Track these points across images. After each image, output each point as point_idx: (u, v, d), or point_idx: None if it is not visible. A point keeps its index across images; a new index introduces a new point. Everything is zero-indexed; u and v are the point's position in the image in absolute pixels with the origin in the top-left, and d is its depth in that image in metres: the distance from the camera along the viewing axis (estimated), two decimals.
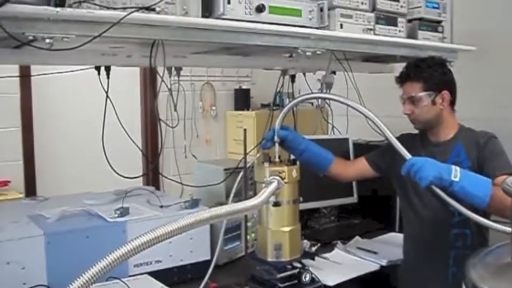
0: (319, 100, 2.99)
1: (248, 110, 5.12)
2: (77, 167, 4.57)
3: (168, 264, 2.09)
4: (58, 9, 1.40)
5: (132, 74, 4.68)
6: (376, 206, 3.06)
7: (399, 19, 2.35)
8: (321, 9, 2.03)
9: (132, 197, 2.33)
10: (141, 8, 1.54)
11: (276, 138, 2.17)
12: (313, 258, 2.22)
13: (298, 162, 2.10)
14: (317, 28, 2.02)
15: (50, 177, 4.42)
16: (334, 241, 2.70)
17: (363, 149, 2.88)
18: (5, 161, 4.13)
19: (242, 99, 5.28)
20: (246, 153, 2.07)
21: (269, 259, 2.07)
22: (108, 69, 2.06)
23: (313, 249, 2.28)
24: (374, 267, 2.40)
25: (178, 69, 2.31)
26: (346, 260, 2.47)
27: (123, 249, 1.13)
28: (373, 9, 2.24)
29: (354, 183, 3.09)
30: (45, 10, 1.39)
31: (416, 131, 2.29)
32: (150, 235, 1.18)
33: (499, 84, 3.17)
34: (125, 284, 1.79)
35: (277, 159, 2.09)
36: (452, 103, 2.19)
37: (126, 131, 2.22)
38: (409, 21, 2.44)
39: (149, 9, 1.57)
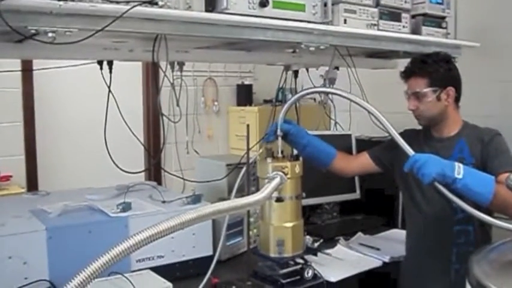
0: (322, 96, 2.98)
1: (250, 105, 5.12)
2: (79, 162, 4.57)
3: (170, 260, 2.08)
4: (61, 2, 1.39)
5: (135, 68, 4.68)
6: (378, 202, 3.05)
7: (403, 14, 2.34)
8: (325, 4, 2.01)
9: (134, 192, 2.33)
10: (144, 2, 1.53)
11: (279, 132, 2.16)
12: (315, 254, 2.21)
13: (301, 158, 2.09)
14: (320, 23, 2.00)
15: (51, 172, 4.42)
16: (337, 237, 2.70)
17: (365, 145, 2.88)
18: (7, 155, 4.14)
19: (244, 95, 5.27)
20: (248, 149, 2.06)
21: (271, 255, 2.06)
22: (110, 63, 2.06)
23: (316, 245, 2.27)
24: (376, 263, 2.39)
25: (181, 64, 2.30)
26: (348, 256, 2.46)
27: (125, 244, 1.12)
28: (377, 4, 2.24)
29: (357, 179, 3.08)
30: (48, 3, 1.38)
31: (420, 127, 2.27)
32: (152, 230, 1.17)
33: (502, 81, 3.16)
34: (127, 279, 1.78)
35: (280, 155, 2.09)
36: (457, 99, 2.18)
37: (128, 126, 2.21)
38: (413, 16, 2.43)
39: (152, 3, 1.56)
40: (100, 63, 2.05)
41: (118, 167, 2.08)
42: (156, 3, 1.57)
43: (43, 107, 4.43)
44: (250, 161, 2.11)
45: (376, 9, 2.22)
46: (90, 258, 1.08)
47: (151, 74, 4.75)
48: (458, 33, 2.62)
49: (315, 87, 2.50)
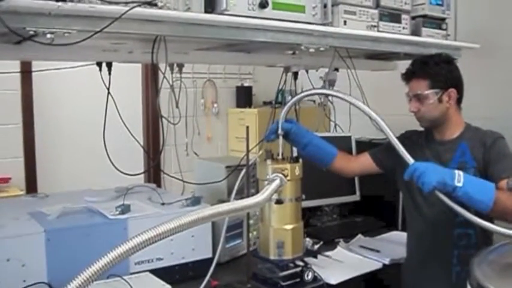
0: (322, 97, 2.98)
1: (250, 107, 5.12)
2: (78, 164, 4.56)
3: (169, 262, 2.07)
4: (59, 3, 1.38)
5: (134, 70, 4.67)
6: (378, 204, 3.05)
7: (403, 16, 2.34)
8: (325, 6, 2.01)
9: (134, 194, 2.32)
10: (143, 3, 1.53)
11: (279, 131, 2.16)
12: (315, 257, 2.20)
13: (300, 160, 2.08)
14: (320, 24, 2.00)
15: (51, 174, 4.41)
16: (337, 239, 2.69)
17: (365, 146, 2.87)
18: (6, 157, 4.13)
19: (244, 97, 5.27)
20: (248, 151, 2.06)
21: (271, 257, 2.05)
22: (109, 65, 2.05)
23: (316, 247, 2.26)
24: (377, 265, 2.39)
25: (180, 66, 2.30)
26: (348, 259, 2.45)
27: (124, 247, 1.12)
28: (377, 5, 2.23)
29: (357, 182, 3.08)
30: (46, 4, 1.37)
31: (421, 129, 2.26)
32: (152, 232, 1.17)
33: (502, 82, 3.15)
34: (126, 281, 1.77)
35: (279, 157, 2.08)
36: (458, 101, 2.16)
37: (127, 128, 2.21)
38: (413, 18, 2.43)
39: (151, 4, 1.56)
40: (99, 64, 2.05)
41: (117, 169, 2.08)
42: (156, 5, 1.57)
43: (42, 108, 4.42)
44: (250, 162, 2.10)
45: (376, 11, 2.22)
46: (89, 260, 1.08)
47: (151, 76, 4.74)
48: (458, 34, 2.61)
49: (314, 88, 2.49)
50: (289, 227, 2.04)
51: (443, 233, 2.13)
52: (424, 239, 2.22)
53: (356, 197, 3.11)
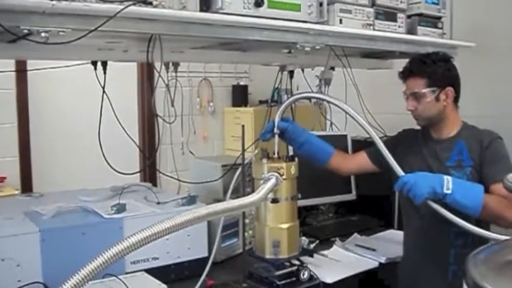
0: None
1: (246, 106, 5.12)
2: (73, 163, 4.55)
3: (165, 262, 2.07)
4: (53, 2, 1.37)
5: (129, 69, 4.66)
6: (374, 203, 3.05)
7: (399, 15, 2.34)
8: (320, 4, 2.00)
9: (129, 194, 2.32)
10: (138, 2, 1.52)
11: (276, 130, 2.16)
12: (311, 256, 2.20)
13: (296, 159, 2.08)
14: (316, 23, 2.00)
15: (46, 174, 4.40)
16: (333, 238, 2.69)
17: (361, 145, 2.86)
18: (1, 157, 4.13)
19: (240, 96, 5.27)
20: (244, 150, 2.05)
21: (267, 256, 2.05)
22: (104, 64, 2.05)
23: (312, 246, 2.26)
24: (373, 264, 2.39)
25: (176, 65, 2.29)
26: (344, 257, 2.45)
27: (119, 246, 1.11)
28: (373, 4, 2.23)
29: (353, 180, 3.07)
30: (40, 3, 1.36)
31: (418, 127, 2.26)
32: (147, 232, 1.16)
33: (497, 81, 3.16)
34: (122, 281, 1.77)
35: (275, 156, 2.07)
36: (456, 100, 2.16)
37: (123, 127, 2.20)
38: (409, 16, 2.43)
39: (146, 2, 1.55)
40: (94, 63, 2.04)
41: (113, 168, 2.07)
42: (151, 3, 1.56)
43: (37, 108, 4.41)
44: (246, 161, 2.10)
45: (371, 9, 2.21)
46: (84, 260, 1.07)
47: (146, 75, 4.74)
48: (453, 33, 2.61)
49: (312, 92, 2.49)
50: (285, 226, 2.04)
51: (440, 232, 2.13)
52: (421, 237, 2.22)
53: (352, 196, 3.10)
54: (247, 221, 2.34)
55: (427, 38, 2.47)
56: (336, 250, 2.55)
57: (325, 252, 2.47)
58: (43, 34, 1.43)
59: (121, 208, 2.01)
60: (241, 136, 2.06)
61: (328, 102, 2.27)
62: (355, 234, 2.76)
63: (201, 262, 2.07)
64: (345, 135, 3.13)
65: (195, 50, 2.26)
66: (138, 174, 3.64)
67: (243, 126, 2.09)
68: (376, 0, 2.23)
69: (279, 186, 1.82)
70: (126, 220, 1.96)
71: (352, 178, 3.06)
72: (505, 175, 1.95)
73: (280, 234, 2.03)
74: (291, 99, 2.25)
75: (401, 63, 2.23)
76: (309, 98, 2.44)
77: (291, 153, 2.22)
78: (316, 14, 1.99)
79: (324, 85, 2.61)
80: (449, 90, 2.11)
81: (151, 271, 1.97)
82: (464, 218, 1.85)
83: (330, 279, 2.15)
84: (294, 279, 2.07)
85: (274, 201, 1.98)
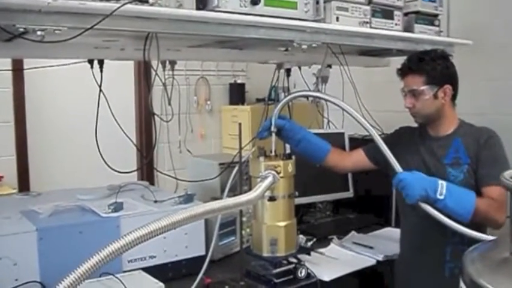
0: None
1: (243, 104, 5.11)
2: (70, 162, 4.54)
3: (162, 260, 2.07)
4: (49, 0, 1.37)
5: (126, 67, 4.65)
6: (372, 200, 3.05)
7: (395, 12, 2.34)
8: (317, 2, 2.01)
9: (126, 192, 2.31)
10: (134, 0, 1.52)
11: (273, 128, 2.15)
12: (308, 254, 2.20)
13: (293, 157, 2.08)
14: (313, 21, 2.00)
15: (43, 173, 4.40)
16: (330, 236, 2.69)
17: (358, 143, 2.87)
18: None
19: (237, 94, 5.27)
20: (241, 148, 2.05)
21: (264, 254, 2.05)
22: (101, 62, 2.04)
23: (309, 244, 2.26)
24: (370, 262, 2.39)
25: (173, 63, 2.29)
26: (342, 255, 2.46)
27: (116, 245, 1.11)
28: (369, 2, 2.23)
29: (350, 178, 3.07)
30: (36, 1, 1.36)
31: (415, 125, 2.26)
32: (144, 230, 1.16)
33: (494, 79, 3.16)
34: (119, 279, 1.77)
35: (272, 154, 2.07)
36: (453, 97, 2.16)
37: (120, 125, 2.20)
38: (406, 14, 2.43)
39: (142, 1, 1.55)
40: (91, 62, 2.04)
41: (110, 166, 2.07)
42: (147, 1, 1.56)
43: (34, 106, 4.40)
44: (243, 160, 2.10)
45: (368, 7, 2.22)
46: (82, 258, 1.07)
47: (143, 73, 4.73)
48: (450, 31, 2.62)
49: (311, 90, 2.49)
50: (282, 224, 2.04)
51: (437, 229, 2.13)
52: (417, 235, 2.22)
53: (349, 194, 3.10)
54: (244, 219, 2.34)
55: (424, 35, 2.47)
56: (333, 248, 2.55)
57: (322, 250, 2.47)
58: (39, 33, 1.43)
59: (118, 207, 2.00)
60: (238, 134, 2.06)
61: (326, 100, 2.26)
62: (353, 232, 2.77)
63: (199, 260, 2.07)
64: (342, 133, 3.13)
65: (192, 48, 2.25)
66: (135, 172, 3.63)
67: (240, 124, 2.09)
68: None
69: (276, 184, 1.82)
70: (123, 219, 1.96)
71: (350, 176, 3.06)
72: (499, 177, 1.97)
73: (278, 232, 2.03)
74: (288, 97, 2.25)
75: (398, 61, 2.23)
76: (306, 96, 2.43)
77: (288, 151, 2.23)
78: (312, 12, 1.99)
79: (321, 83, 2.60)
80: (448, 88, 2.11)
81: (148, 269, 1.97)
82: (455, 220, 1.87)
83: (327, 277, 2.15)
84: (291, 277, 2.07)
85: (272, 199, 1.98)
